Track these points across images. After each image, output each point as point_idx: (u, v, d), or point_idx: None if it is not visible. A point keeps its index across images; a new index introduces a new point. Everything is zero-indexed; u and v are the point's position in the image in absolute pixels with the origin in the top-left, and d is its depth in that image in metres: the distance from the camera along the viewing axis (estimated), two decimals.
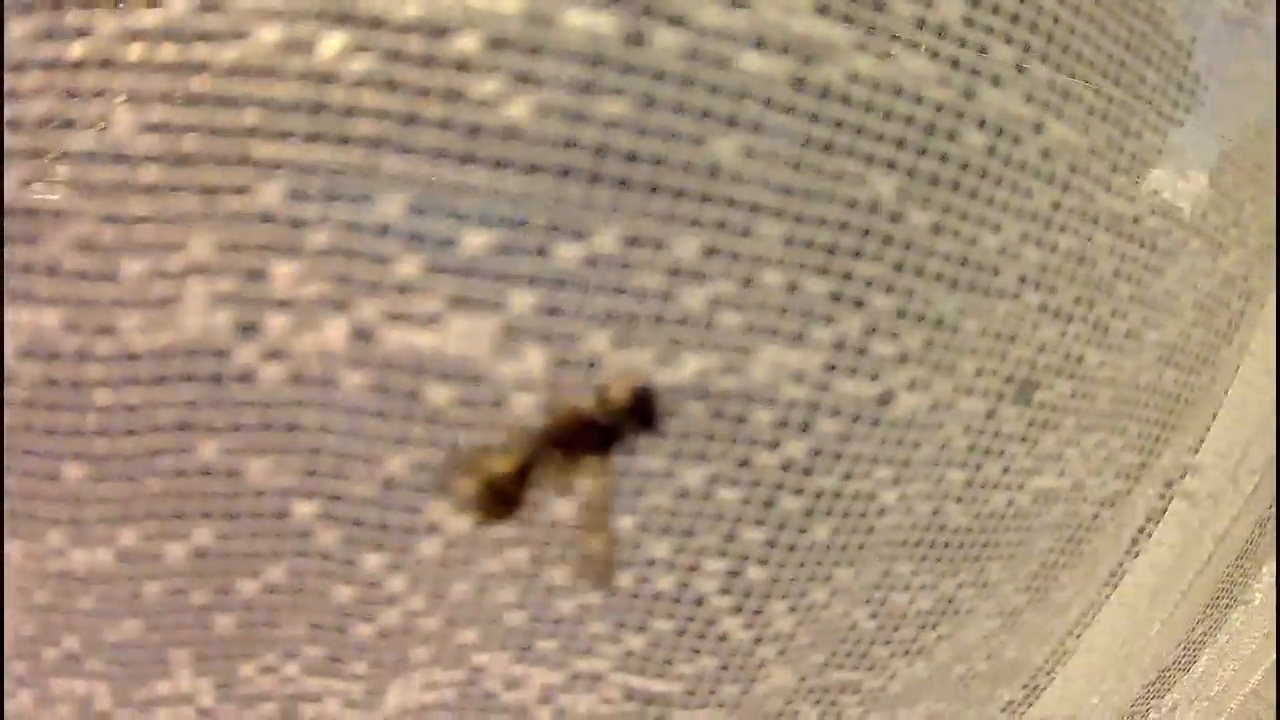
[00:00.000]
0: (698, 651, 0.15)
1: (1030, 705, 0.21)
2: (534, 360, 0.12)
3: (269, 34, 0.10)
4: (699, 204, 0.11)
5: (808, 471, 0.14)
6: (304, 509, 0.12)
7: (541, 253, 0.11)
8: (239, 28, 0.10)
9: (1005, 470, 0.16)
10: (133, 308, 0.10)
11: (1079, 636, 0.20)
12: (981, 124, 0.12)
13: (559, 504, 0.13)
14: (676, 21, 0.10)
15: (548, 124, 0.10)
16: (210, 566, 0.12)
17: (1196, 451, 0.17)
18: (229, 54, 0.10)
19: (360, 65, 0.10)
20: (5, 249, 0.10)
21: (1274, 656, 0.21)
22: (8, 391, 0.10)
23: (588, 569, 0.12)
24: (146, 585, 0.12)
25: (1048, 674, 0.20)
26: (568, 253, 0.11)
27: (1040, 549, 0.17)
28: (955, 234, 0.13)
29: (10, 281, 0.10)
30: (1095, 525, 0.17)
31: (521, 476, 0.11)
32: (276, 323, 0.11)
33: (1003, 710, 0.20)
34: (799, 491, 0.14)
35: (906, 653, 0.17)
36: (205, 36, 0.10)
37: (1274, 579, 0.20)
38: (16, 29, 0.10)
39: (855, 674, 0.17)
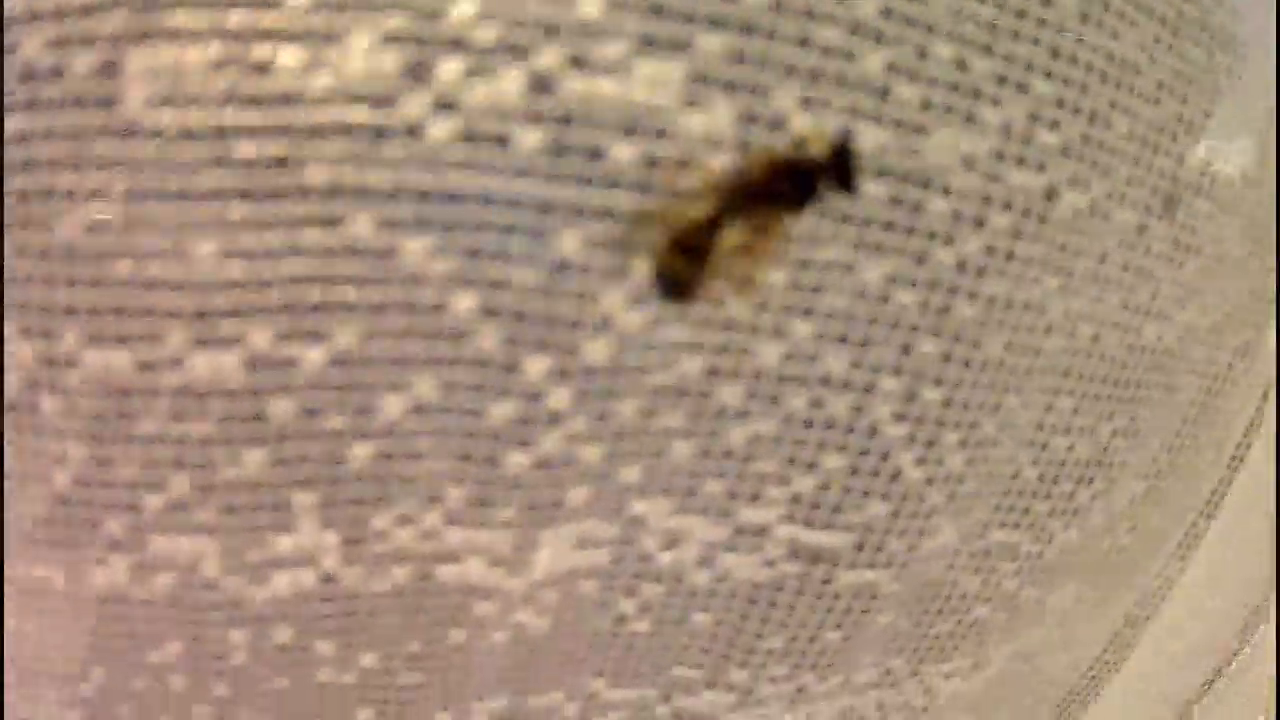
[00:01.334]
0: (868, 494, 0.14)
1: (1159, 602, 0.20)
2: (723, 112, 0.11)
3: None
4: None
5: (981, 273, 0.13)
6: (463, 302, 0.11)
7: None
8: None
9: (1154, 296, 0.15)
10: (290, 40, 0.09)
11: (1210, 519, 0.19)
12: None
13: (737, 306, 0.12)
14: None
15: None
16: (351, 377, 0.11)
17: None
18: None
19: None
20: None
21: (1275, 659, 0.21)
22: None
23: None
24: (275, 403, 0.11)
25: (1180, 560, 0.19)
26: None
27: (1183, 399, 0.16)
28: (1099, 25, 0.13)
29: None
30: (1230, 378, 0.16)
31: (713, 227, 0.10)
32: (449, 68, 0.10)
33: (1135, 604, 0.19)
34: (973, 296, 0.13)
35: (1063, 512, 0.16)
36: None
37: None
38: None
39: (1015, 534, 0.16)
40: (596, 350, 0.11)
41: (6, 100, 0.10)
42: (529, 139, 0.10)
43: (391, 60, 0.09)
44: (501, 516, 0.12)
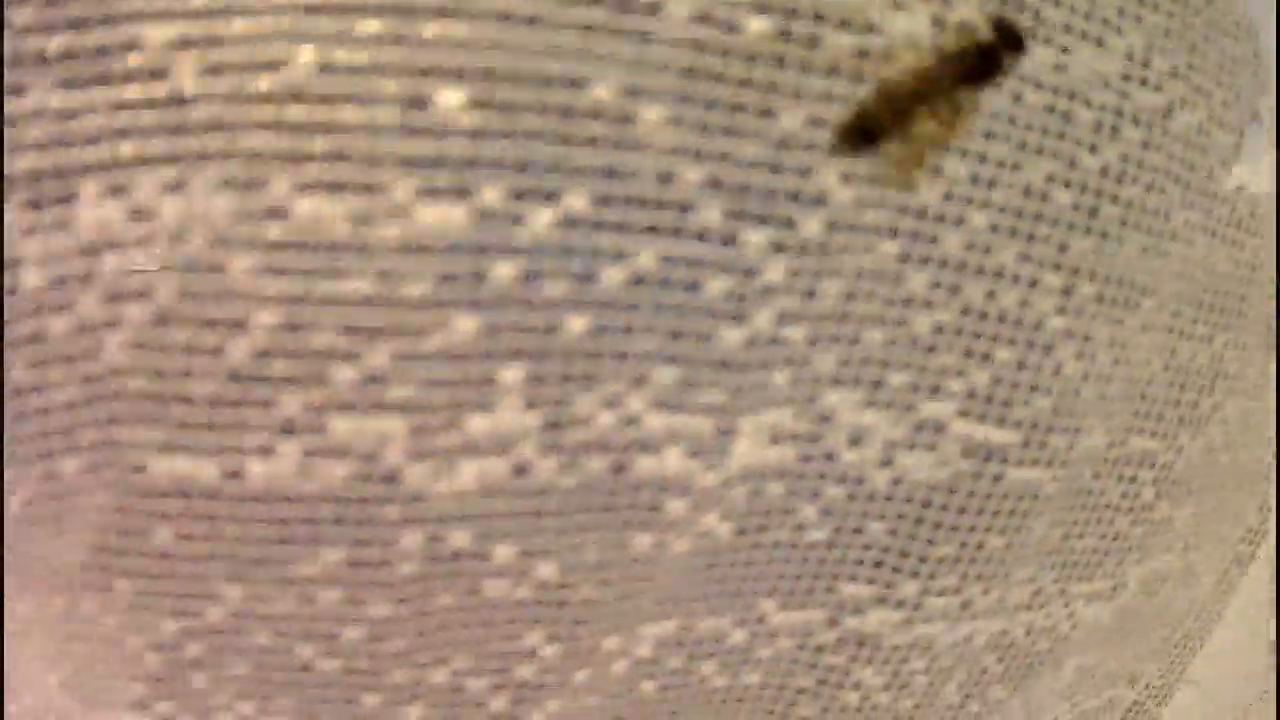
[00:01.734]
0: (1035, 389, 0.15)
1: (1261, 540, 0.20)
2: (920, 17, 0.12)
3: None
4: None
5: (1120, 178, 0.14)
6: (691, 175, 0.11)
7: None
8: None
9: (1252, 214, 0.17)
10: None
11: None
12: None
13: (928, 190, 0.13)
14: None
15: None
16: (576, 242, 0.11)
17: None
18: None
19: None
20: None
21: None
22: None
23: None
24: (497, 264, 0.11)
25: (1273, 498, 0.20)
26: None
27: (1267, 313, 0.18)
28: None
29: None
30: None
31: (912, 98, 0.11)
32: None
33: (1240, 540, 0.20)
34: (1115, 199, 0.14)
35: (1190, 421, 0.17)
36: None
37: None
38: None
39: (1152, 442, 0.16)
40: (811, 225, 0.12)
41: None
42: (757, 25, 0.11)
43: None
44: (706, 399, 0.12)
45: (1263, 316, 0.17)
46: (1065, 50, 0.14)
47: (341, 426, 0.11)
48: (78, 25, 0.10)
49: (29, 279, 0.10)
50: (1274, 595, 0.22)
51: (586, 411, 0.12)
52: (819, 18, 0.12)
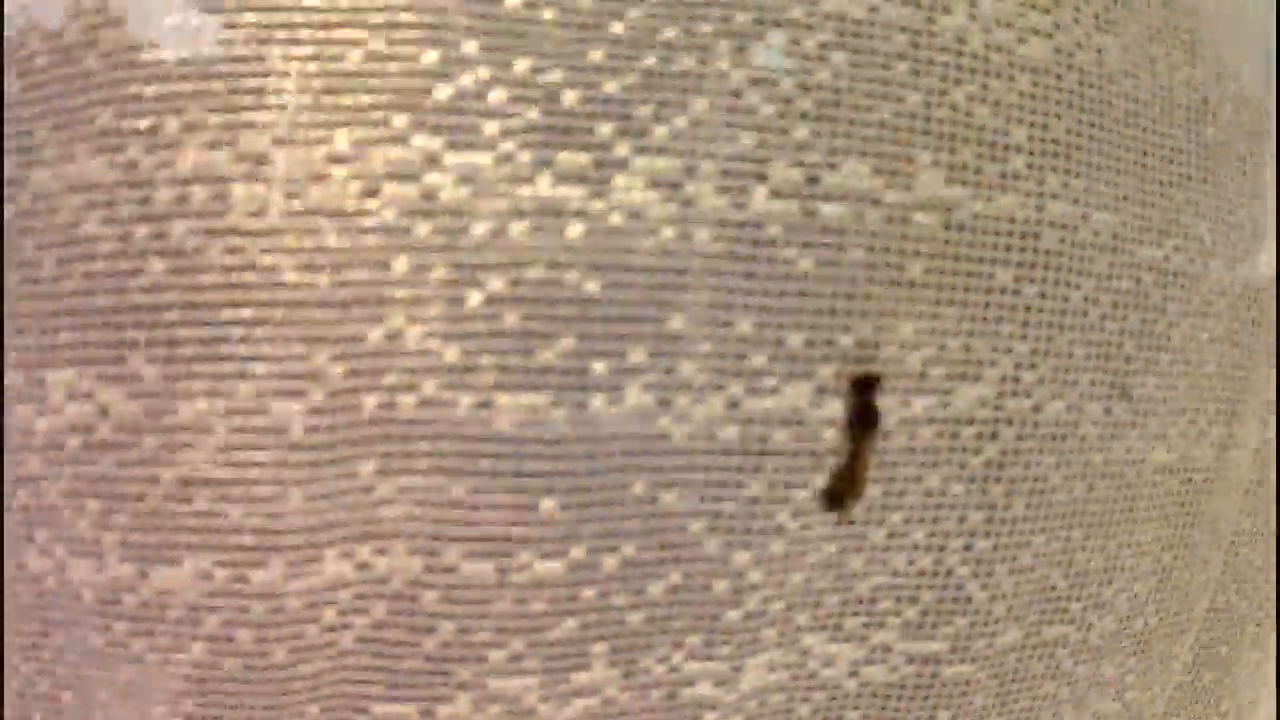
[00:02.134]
0: (953, 614, 0.21)
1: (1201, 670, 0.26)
2: (835, 408, 0.19)
3: None
4: None
5: (1001, 465, 0.21)
6: (695, 525, 0.19)
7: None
8: None
9: (1128, 450, 0.22)
10: (597, 393, 0.18)
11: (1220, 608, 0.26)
12: (1051, 224, 0.20)
13: (854, 506, 0.20)
14: None
15: None
16: (631, 573, 0.19)
17: None
18: None
19: None
20: None
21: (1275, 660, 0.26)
22: (499, 447, 0.17)
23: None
24: (584, 590, 0.18)
25: (1208, 631, 0.25)
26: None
27: (1170, 512, 0.23)
28: (1053, 296, 0.21)
29: None
30: (1206, 489, 0.23)
31: (854, 465, 0.18)
32: (682, 400, 0.18)
33: (1183, 670, 0.25)
34: (999, 480, 0.21)
35: (1096, 606, 0.23)
36: None
37: None
38: None
39: (1062, 627, 0.23)
40: (778, 545, 0.19)
41: None
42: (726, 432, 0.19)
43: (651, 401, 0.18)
44: (721, 653, 0.20)
45: (1153, 514, 0.23)
46: (947, 392, 0.20)
47: (494, 685, 0.20)
48: None
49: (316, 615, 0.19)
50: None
51: (648, 665, 0.20)
52: (766, 423, 0.19)
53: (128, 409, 0.17)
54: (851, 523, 0.19)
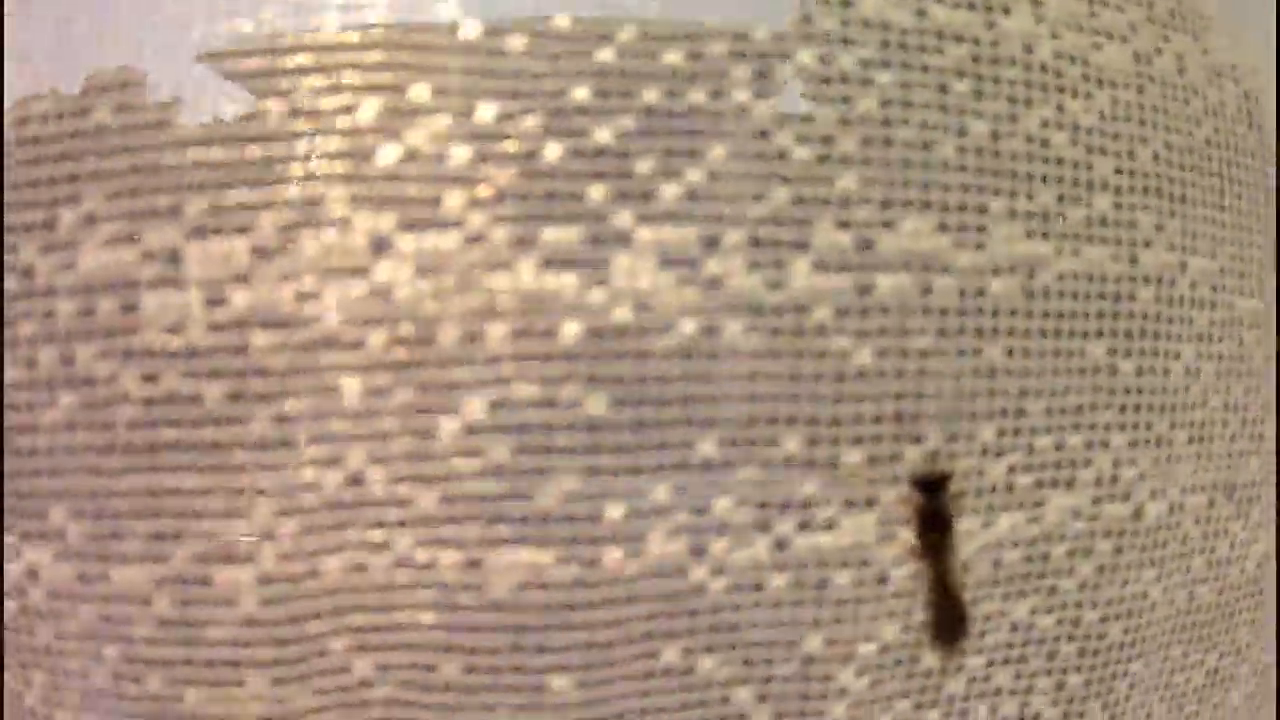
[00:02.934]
0: None
1: None
2: (904, 539, 0.16)
3: None
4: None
5: (1097, 586, 0.18)
6: (742, 694, 0.15)
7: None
8: None
9: (1231, 546, 0.20)
10: (612, 543, 0.14)
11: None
12: (1145, 279, 0.17)
13: (929, 655, 0.16)
14: None
15: None
16: None
17: None
18: None
19: None
20: None
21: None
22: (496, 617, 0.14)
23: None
24: None
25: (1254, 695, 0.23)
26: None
27: (1271, 608, 0.21)
28: (1152, 370, 0.18)
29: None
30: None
31: (943, 585, 0.15)
32: (719, 546, 0.14)
33: None
34: (1094, 604, 0.18)
35: None
36: None
37: None
38: None
39: None
40: (837, 708, 0.16)
41: None
42: (777, 581, 0.15)
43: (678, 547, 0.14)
44: None
45: (1255, 617, 0.20)
46: (1037, 504, 0.17)
47: None
48: None
49: None
50: None
51: None
52: (822, 564, 0.15)
53: (58, 573, 0.14)
54: (963, 654, 0.16)
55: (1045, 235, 0.16)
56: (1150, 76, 0.18)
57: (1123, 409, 0.17)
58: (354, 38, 0.14)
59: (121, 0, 0.13)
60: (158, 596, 0.13)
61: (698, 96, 0.15)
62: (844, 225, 0.15)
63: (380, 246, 0.13)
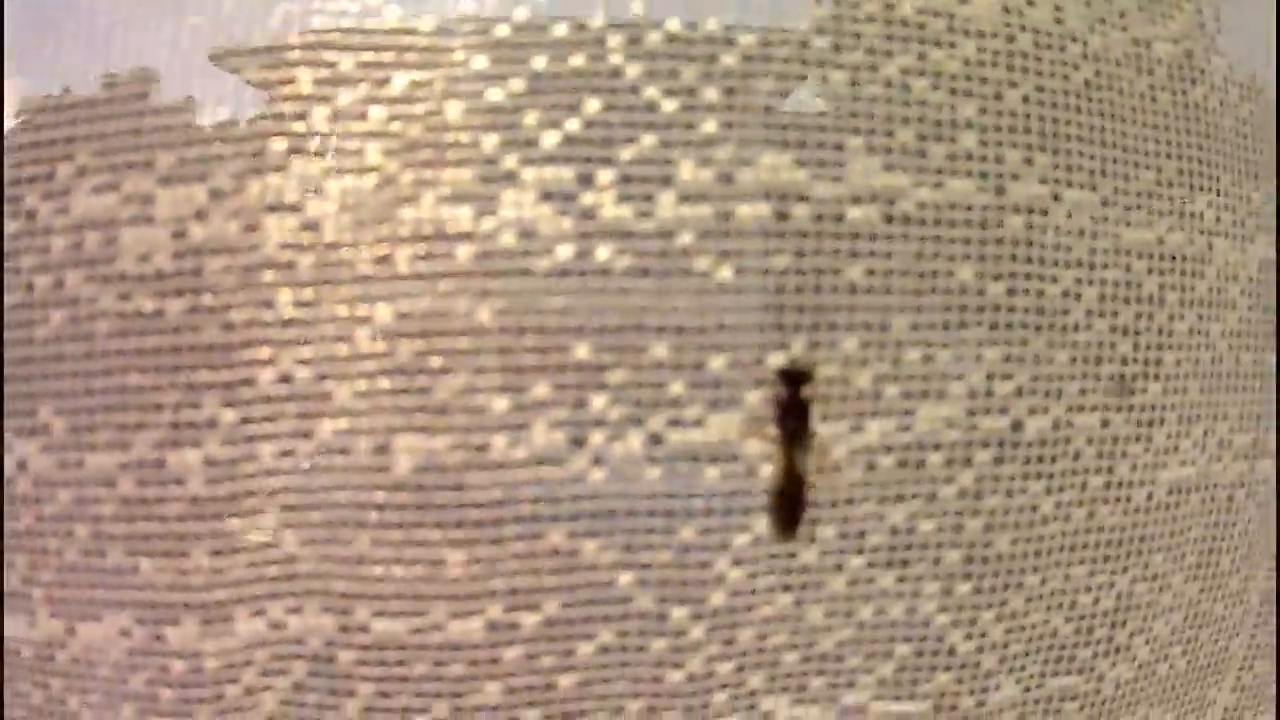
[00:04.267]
0: (934, 669, 0.20)
1: (1245, 711, 0.25)
2: (770, 434, 0.19)
3: None
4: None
5: (978, 495, 0.20)
6: (624, 578, 0.18)
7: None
8: None
9: (1134, 468, 0.22)
10: (498, 432, 0.18)
11: (1267, 628, 0.25)
12: (1016, 209, 0.20)
13: (808, 550, 0.19)
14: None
15: None
16: (557, 633, 0.18)
17: None
18: None
19: None
20: None
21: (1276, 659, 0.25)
22: (400, 495, 0.17)
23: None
24: (505, 652, 0.18)
25: (1250, 669, 0.24)
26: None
27: (1193, 536, 0.22)
28: (1025, 292, 0.20)
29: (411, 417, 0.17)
30: (1233, 507, 0.23)
31: (790, 474, 0.18)
32: (597, 438, 0.18)
33: (1223, 715, 0.24)
34: (976, 513, 0.20)
35: (1107, 653, 0.22)
36: None
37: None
38: None
39: (1069, 679, 0.22)
40: (718, 597, 0.19)
41: None
42: (652, 473, 0.18)
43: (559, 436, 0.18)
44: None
45: (1170, 541, 0.22)
46: (907, 413, 0.20)
47: None
48: None
49: None
50: None
51: None
52: (696, 459, 0.18)
53: (42, 463, 0.18)
54: (813, 540, 0.18)
55: (905, 169, 0.19)
56: (1022, 26, 0.21)
57: (994, 326, 0.20)
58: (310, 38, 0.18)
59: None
60: (122, 479, 0.18)
61: (578, 60, 0.19)
62: (706, 163, 0.18)
63: (312, 188, 0.18)
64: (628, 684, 0.19)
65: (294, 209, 0.18)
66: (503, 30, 0.18)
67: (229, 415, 0.17)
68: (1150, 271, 0.21)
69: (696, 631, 0.19)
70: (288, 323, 0.17)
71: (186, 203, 0.17)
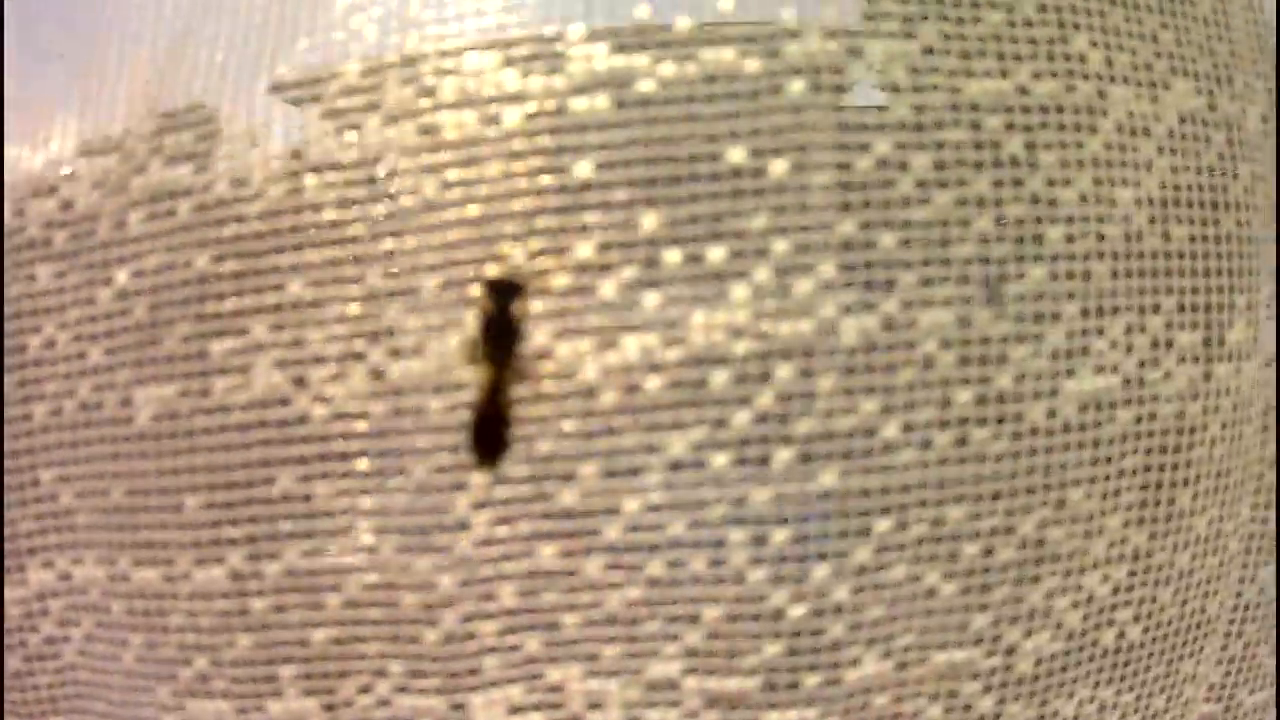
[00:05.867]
0: (758, 637, 0.13)
1: (1237, 689, 0.14)
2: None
3: None
4: None
5: (784, 419, 0.13)
6: (362, 524, 0.13)
7: None
8: None
9: (1020, 378, 0.13)
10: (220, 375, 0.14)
11: (1255, 584, 0.14)
12: (795, 71, 0.13)
13: (569, 492, 0.13)
14: None
15: None
16: (300, 583, 0.14)
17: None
18: None
19: None
20: None
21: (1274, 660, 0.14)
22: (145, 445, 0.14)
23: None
24: (253, 602, 0.14)
25: (1237, 636, 0.14)
26: None
27: (1128, 466, 0.13)
28: (819, 166, 0.13)
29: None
30: (1185, 426, 0.13)
31: (493, 397, 0.12)
32: (318, 376, 0.13)
33: (1207, 694, 0.14)
34: (786, 439, 0.13)
35: (1015, 619, 0.13)
36: None
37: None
38: None
39: (961, 651, 0.13)
40: (464, 544, 0.13)
41: None
42: (378, 408, 0.14)
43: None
44: (432, 684, 0.14)
45: (1092, 473, 0.13)
46: (672, 324, 0.13)
47: (192, 706, 0.15)
48: None
49: None
50: None
51: (350, 695, 0.14)
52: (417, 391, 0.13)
53: None
54: (545, 463, 0.12)
55: (642, 48, 0.13)
56: None
57: (779, 210, 0.13)
58: None
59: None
60: None
61: None
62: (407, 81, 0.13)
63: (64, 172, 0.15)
64: (384, 643, 0.13)
65: (51, 192, 0.15)
66: None
67: (9, 379, 0.15)
68: (1010, 128, 0.13)
69: (447, 583, 0.13)
70: (44, 292, 0.15)
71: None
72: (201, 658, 0.14)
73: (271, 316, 0.14)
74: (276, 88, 0.14)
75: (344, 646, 0.14)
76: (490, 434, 0.12)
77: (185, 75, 0.14)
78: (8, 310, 0.15)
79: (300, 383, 0.14)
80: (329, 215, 0.14)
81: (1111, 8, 0.14)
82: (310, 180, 0.14)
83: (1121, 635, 0.13)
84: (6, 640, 0.15)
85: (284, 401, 0.14)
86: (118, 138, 0.15)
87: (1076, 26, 0.14)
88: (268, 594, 0.14)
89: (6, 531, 0.15)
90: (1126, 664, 0.14)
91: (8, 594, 0.15)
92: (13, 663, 0.15)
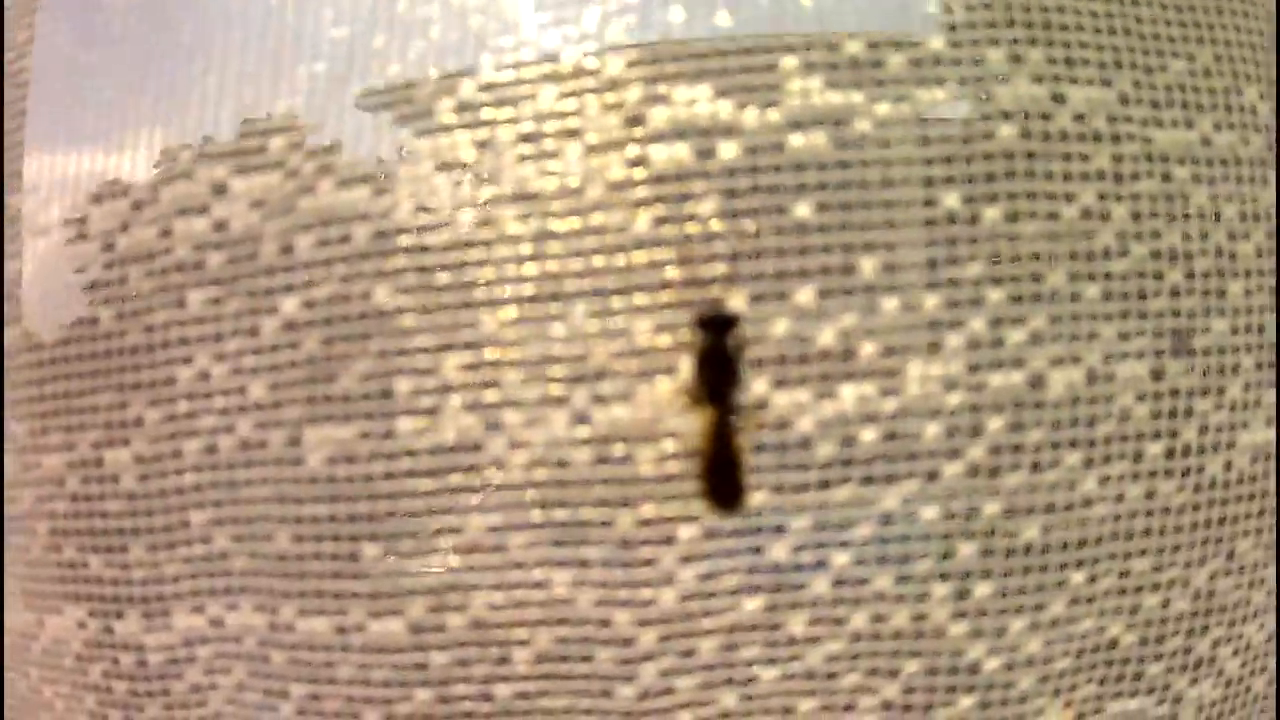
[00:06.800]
0: (953, 690, 0.12)
1: None
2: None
3: None
4: None
5: (994, 472, 0.12)
6: (560, 576, 0.11)
7: None
8: None
9: (1203, 430, 0.12)
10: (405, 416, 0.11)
11: None
12: (1004, 115, 0.11)
13: (777, 546, 0.11)
14: None
15: None
16: (488, 637, 0.12)
17: None
18: None
19: None
20: None
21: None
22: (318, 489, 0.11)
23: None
24: (435, 656, 0.12)
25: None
26: None
27: (1269, 508, 0.13)
28: (1032, 215, 0.12)
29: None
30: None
31: (719, 439, 0.10)
32: (513, 419, 0.11)
33: None
34: (994, 494, 0.11)
35: (1184, 668, 0.12)
36: None
37: None
38: None
39: (1135, 701, 0.12)
40: (667, 598, 0.11)
41: None
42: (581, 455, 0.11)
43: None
44: None
45: (1260, 526, 0.12)
46: (893, 373, 0.11)
47: None
48: None
49: None
50: None
51: None
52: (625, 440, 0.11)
53: (9, 466, 0.14)
54: (779, 531, 0.10)
55: (857, 85, 0.11)
56: None
57: (994, 260, 0.11)
58: None
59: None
60: (69, 478, 0.13)
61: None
62: (611, 107, 0.11)
63: (219, 190, 0.12)
64: (571, 698, 0.11)
65: (202, 211, 0.12)
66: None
67: (154, 414, 0.12)
68: (1197, 180, 0.12)
69: (646, 639, 0.11)
70: (199, 319, 0.12)
71: (113, 217, 0.12)
72: (372, 712, 0.12)
73: (463, 355, 0.11)
74: (463, 108, 0.11)
75: (530, 701, 0.11)
76: (724, 478, 0.10)
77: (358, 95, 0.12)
78: (152, 339, 0.12)
79: (495, 426, 0.11)
80: (526, 249, 0.11)
81: (1272, 58, 0.13)
82: (505, 210, 0.11)
83: (1272, 681, 0.12)
84: (146, 686, 0.13)
85: (476, 447, 0.11)
86: (277, 155, 0.12)
87: (1248, 78, 0.12)
88: (450, 647, 0.11)
89: (149, 575, 0.12)
90: (1275, 708, 0.13)
91: (147, 639, 0.12)
92: (152, 710, 0.13)
